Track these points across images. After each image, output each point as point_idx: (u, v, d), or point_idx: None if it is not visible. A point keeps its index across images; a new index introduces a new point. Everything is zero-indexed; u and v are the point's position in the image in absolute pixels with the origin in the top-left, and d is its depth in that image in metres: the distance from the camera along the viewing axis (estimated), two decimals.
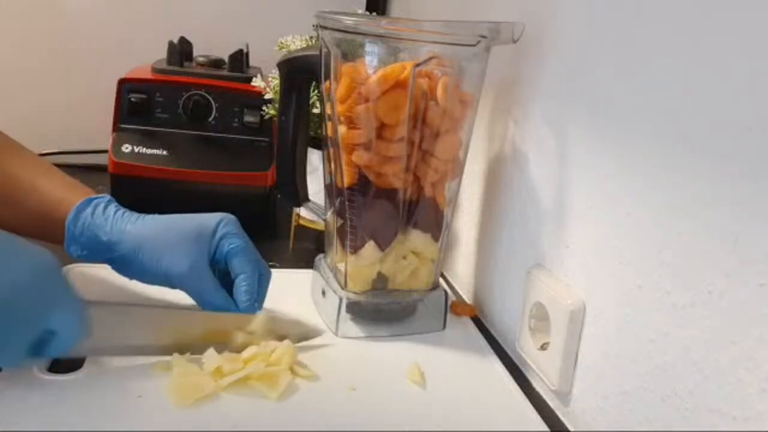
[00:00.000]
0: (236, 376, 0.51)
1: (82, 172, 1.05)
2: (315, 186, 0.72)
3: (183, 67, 0.94)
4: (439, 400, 0.54)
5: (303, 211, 0.82)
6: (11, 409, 0.46)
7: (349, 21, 0.56)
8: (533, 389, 0.59)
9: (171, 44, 0.94)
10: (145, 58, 0.96)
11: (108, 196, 0.60)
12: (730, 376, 0.39)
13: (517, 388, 0.57)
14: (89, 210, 0.57)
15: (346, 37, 0.56)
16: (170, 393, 0.49)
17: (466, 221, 0.77)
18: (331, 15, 0.56)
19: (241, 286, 0.57)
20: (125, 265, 0.57)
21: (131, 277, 0.58)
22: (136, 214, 0.58)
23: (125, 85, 0.88)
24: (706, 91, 0.42)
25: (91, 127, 1.01)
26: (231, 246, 0.57)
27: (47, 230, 0.58)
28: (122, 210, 0.59)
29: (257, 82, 0.84)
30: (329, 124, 0.60)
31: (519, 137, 0.65)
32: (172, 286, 0.57)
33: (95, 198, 0.59)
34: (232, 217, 0.60)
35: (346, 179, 0.59)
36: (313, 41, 0.79)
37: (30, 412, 0.46)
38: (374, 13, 1.07)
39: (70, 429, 0.45)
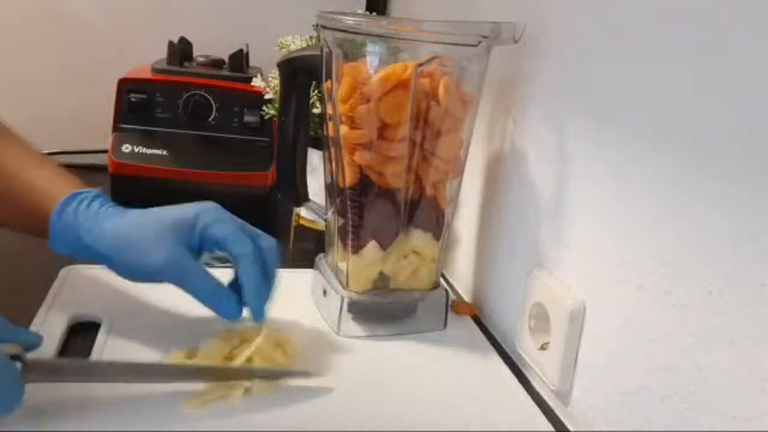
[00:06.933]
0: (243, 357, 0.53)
1: (82, 172, 1.04)
2: (315, 186, 0.72)
3: (183, 67, 0.94)
4: (440, 399, 0.54)
5: (303, 211, 0.82)
6: (16, 411, 0.46)
7: (350, 21, 0.56)
8: (533, 389, 0.59)
9: (171, 44, 0.95)
10: (145, 58, 0.96)
11: (95, 191, 0.57)
12: (730, 376, 0.39)
13: (520, 387, 0.57)
14: (72, 206, 0.55)
15: (348, 37, 0.57)
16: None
17: (466, 221, 0.77)
18: (333, 15, 0.56)
19: (242, 270, 0.54)
20: (110, 264, 0.55)
21: (121, 275, 0.56)
22: (118, 210, 0.56)
23: (125, 85, 0.88)
24: (706, 91, 0.42)
25: (91, 127, 1.01)
26: (218, 233, 0.54)
27: (35, 226, 0.56)
28: (106, 206, 0.56)
29: (257, 82, 0.84)
30: (330, 124, 0.60)
31: (519, 137, 0.65)
32: (160, 281, 0.54)
33: (80, 193, 0.56)
34: (211, 205, 0.56)
35: (348, 179, 0.59)
36: (314, 41, 0.79)
37: (34, 413, 0.46)
38: (374, 13, 1.07)
39: (73, 429, 0.45)
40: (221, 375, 0.52)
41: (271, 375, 0.53)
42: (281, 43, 0.80)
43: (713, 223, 0.41)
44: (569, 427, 0.55)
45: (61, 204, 0.55)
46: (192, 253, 0.54)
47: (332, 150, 0.61)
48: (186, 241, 0.54)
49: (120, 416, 0.47)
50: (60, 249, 0.56)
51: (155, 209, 0.56)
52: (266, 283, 0.55)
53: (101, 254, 0.55)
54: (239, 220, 0.57)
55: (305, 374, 0.54)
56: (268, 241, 0.57)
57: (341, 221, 0.62)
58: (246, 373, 0.52)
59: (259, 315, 0.54)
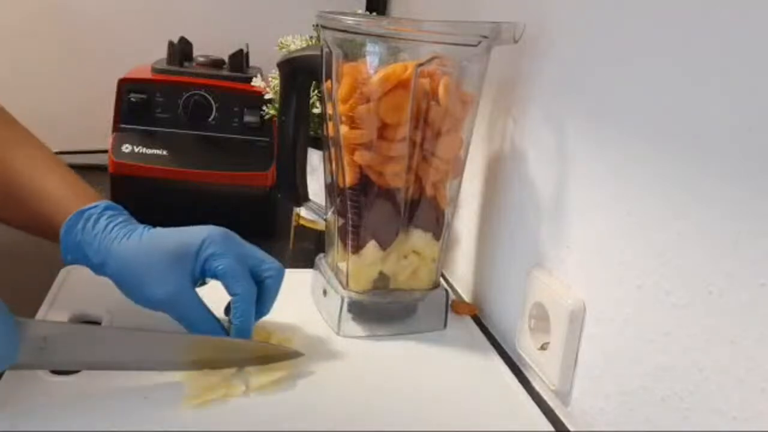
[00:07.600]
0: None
1: (83, 172, 1.04)
2: (315, 186, 0.72)
3: (183, 67, 0.94)
4: (440, 399, 0.54)
5: (303, 211, 0.82)
6: (16, 410, 0.46)
7: (350, 21, 0.56)
8: (533, 389, 0.59)
9: (171, 44, 0.94)
10: (145, 58, 0.96)
11: (103, 204, 0.57)
12: (730, 376, 0.39)
13: (520, 386, 0.57)
14: (80, 226, 0.55)
15: (348, 37, 0.57)
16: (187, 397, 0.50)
17: (466, 221, 0.78)
18: (333, 15, 0.56)
19: (235, 309, 0.55)
20: (116, 285, 0.55)
21: (126, 295, 0.56)
22: (124, 230, 0.55)
23: (125, 85, 0.87)
24: (706, 91, 0.42)
25: (91, 127, 1.01)
26: (218, 268, 0.54)
27: (48, 235, 0.57)
28: (114, 223, 0.56)
29: (257, 82, 0.84)
30: (330, 124, 0.60)
31: (519, 136, 0.65)
32: (159, 311, 0.55)
33: (87, 210, 0.56)
34: (218, 233, 0.56)
35: (348, 179, 0.59)
36: (314, 41, 0.79)
37: (35, 413, 0.47)
38: (374, 13, 1.07)
39: (76, 430, 0.45)
40: (216, 349, 0.54)
41: (266, 357, 0.55)
42: (281, 43, 0.80)
43: (713, 223, 0.41)
44: (569, 427, 0.55)
45: (68, 222, 0.55)
46: (193, 281, 0.55)
47: (332, 150, 0.61)
48: (188, 272, 0.54)
49: (120, 416, 0.47)
50: (70, 262, 0.57)
51: (162, 232, 0.56)
52: (256, 318, 0.56)
53: (108, 275, 0.55)
54: (247, 247, 0.57)
55: (297, 355, 0.56)
56: (272, 269, 0.57)
57: (341, 221, 0.62)
58: (242, 350, 0.54)
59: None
